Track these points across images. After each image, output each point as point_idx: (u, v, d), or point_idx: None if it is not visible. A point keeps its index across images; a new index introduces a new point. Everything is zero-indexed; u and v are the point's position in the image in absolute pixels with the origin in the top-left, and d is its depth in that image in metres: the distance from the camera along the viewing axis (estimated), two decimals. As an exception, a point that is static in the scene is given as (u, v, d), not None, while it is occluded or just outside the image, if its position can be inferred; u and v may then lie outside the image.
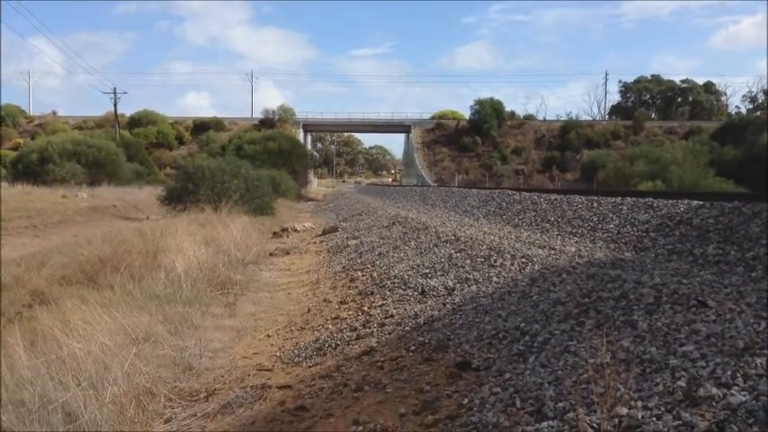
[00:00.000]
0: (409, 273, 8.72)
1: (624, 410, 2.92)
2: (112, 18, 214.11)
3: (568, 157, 74.30)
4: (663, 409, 2.89)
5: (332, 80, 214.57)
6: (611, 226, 9.30)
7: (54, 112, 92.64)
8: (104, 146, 46.32)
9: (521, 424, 3.23)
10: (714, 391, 2.89)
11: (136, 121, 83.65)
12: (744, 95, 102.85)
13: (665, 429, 2.72)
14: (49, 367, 4.87)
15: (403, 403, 4.19)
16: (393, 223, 15.53)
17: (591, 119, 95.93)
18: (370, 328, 6.54)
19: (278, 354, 6.45)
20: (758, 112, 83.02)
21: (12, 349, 5.24)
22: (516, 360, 4.38)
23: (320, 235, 18.63)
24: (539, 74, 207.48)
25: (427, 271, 8.54)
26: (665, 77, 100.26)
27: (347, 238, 15.66)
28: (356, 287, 9.05)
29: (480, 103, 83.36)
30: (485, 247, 9.02)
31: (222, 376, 5.85)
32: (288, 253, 14.90)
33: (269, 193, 27.08)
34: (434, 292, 7.33)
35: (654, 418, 2.82)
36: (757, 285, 4.87)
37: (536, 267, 7.15)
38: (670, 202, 9.21)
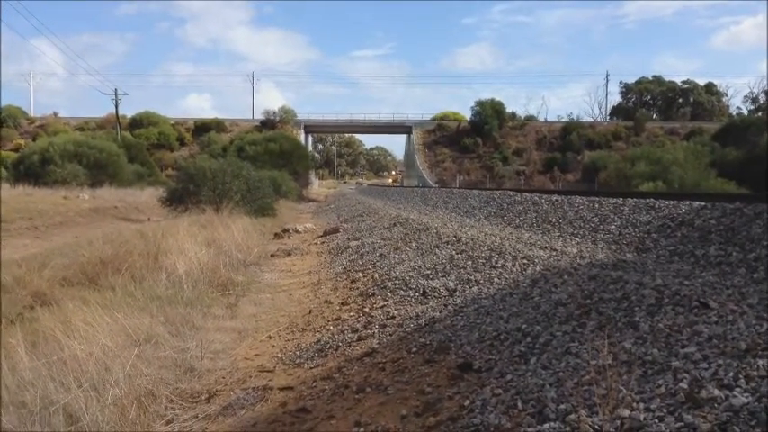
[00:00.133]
0: (410, 274, 8.71)
1: (626, 412, 2.91)
2: (113, 19, 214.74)
3: (570, 158, 74.30)
4: (665, 410, 2.88)
5: (333, 81, 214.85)
6: (613, 227, 9.29)
7: (55, 114, 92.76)
8: (106, 147, 46.39)
9: (522, 425, 3.23)
10: (716, 392, 2.89)
11: (137, 123, 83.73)
12: (745, 96, 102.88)
13: (667, 431, 2.71)
14: (50, 368, 4.87)
15: (404, 405, 4.19)
16: (394, 224, 15.53)
17: (592, 120, 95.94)
18: (371, 329, 6.54)
19: (279, 355, 6.45)
20: (759, 113, 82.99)
21: (13, 350, 5.24)
22: (518, 361, 4.37)
23: (321, 236, 18.63)
24: (540, 75, 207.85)
25: (428, 272, 8.53)
26: (667, 78, 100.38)
27: (348, 239, 15.66)
28: (357, 288, 9.04)
29: (481, 104, 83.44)
30: (486, 248, 9.01)
31: (223, 377, 5.85)
32: (289, 254, 14.90)
33: (270, 195, 27.11)
34: (436, 294, 7.33)
35: (656, 420, 2.81)
36: (759, 286, 4.87)
37: (537, 268, 7.15)
38: (671, 203, 9.20)
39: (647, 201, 9.85)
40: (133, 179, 47.62)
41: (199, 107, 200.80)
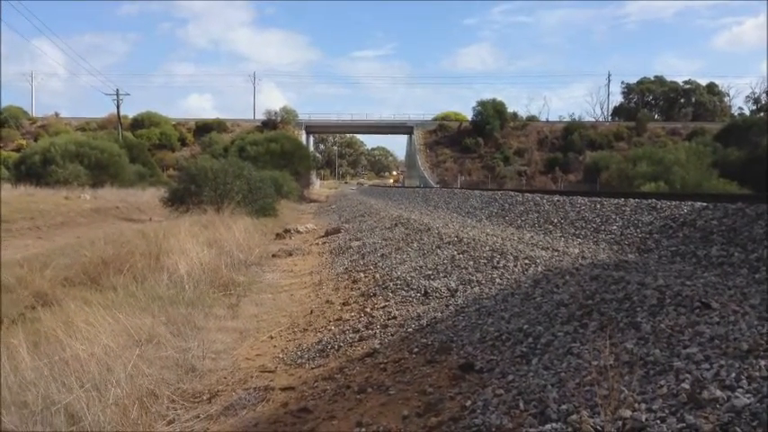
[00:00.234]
0: (412, 274, 8.71)
1: (628, 413, 2.91)
2: (115, 19, 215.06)
3: (571, 159, 74.21)
4: (667, 411, 2.88)
5: (334, 82, 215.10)
6: (615, 227, 9.29)
7: (57, 114, 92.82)
8: (107, 147, 46.44)
9: (524, 426, 3.23)
10: (718, 393, 2.88)
11: (139, 123, 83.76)
12: (747, 96, 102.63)
13: (669, 432, 2.71)
14: (52, 369, 4.88)
15: (406, 405, 4.19)
16: (396, 225, 15.53)
17: (594, 120, 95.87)
18: (372, 329, 6.54)
19: (281, 355, 6.45)
20: (761, 114, 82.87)
21: (15, 350, 5.25)
22: (519, 362, 4.37)
23: (323, 236, 18.64)
24: (541, 75, 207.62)
25: (430, 272, 8.53)
26: (668, 78, 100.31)
27: (350, 239, 15.66)
28: (359, 289, 9.04)
29: (483, 104, 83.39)
30: (487, 248, 9.01)
31: (225, 378, 5.85)
32: (290, 254, 14.90)
33: (271, 195, 27.12)
34: (437, 294, 7.33)
35: (658, 421, 2.81)
36: (761, 287, 4.86)
37: (539, 269, 7.14)
38: (673, 203, 9.19)
39: (649, 201, 9.84)
40: (135, 179, 47.64)
41: (200, 107, 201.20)
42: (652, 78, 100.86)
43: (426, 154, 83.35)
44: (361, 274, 10.01)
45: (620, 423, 2.86)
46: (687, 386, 3.03)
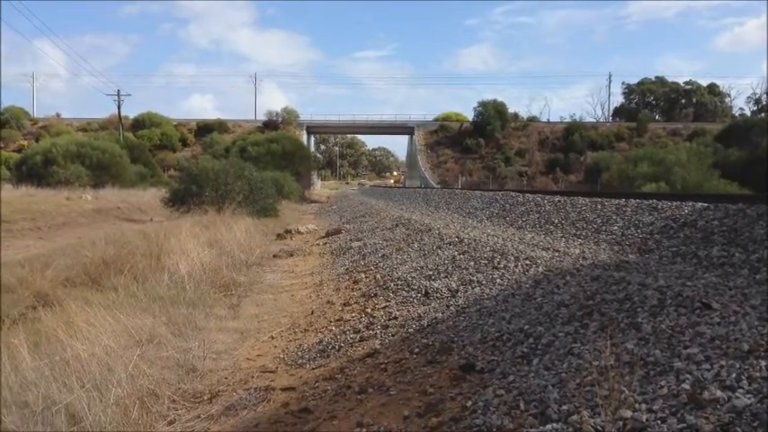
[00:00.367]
0: (413, 275, 8.71)
1: (628, 413, 2.91)
2: (116, 20, 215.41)
3: (572, 159, 74.21)
4: (667, 411, 2.88)
5: (335, 82, 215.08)
6: (616, 228, 9.28)
7: (58, 114, 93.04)
8: (108, 148, 46.46)
9: (525, 426, 3.23)
10: (719, 393, 2.89)
11: (140, 123, 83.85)
12: (748, 97, 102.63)
13: (670, 432, 2.71)
14: (53, 369, 4.88)
15: (407, 405, 4.19)
16: (396, 225, 15.53)
17: (594, 121, 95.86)
18: (373, 330, 6.54)
19: (281, 356, 6.46)
20: (762, 114, 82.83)
21: (16, 351, 5.25)
22: (520, 362, 4.37)
23: (324, 237, 18.64)
24: (542, 76, 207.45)
25: (431, 273, 8.53)
26: (669, 79, 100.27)
27: (351, 239, 15.67)
28: (359, 289, 9.04)
29: (484, 104, 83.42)
30: (488, 248, 9.01)
31: (226, 378, 5.86)
32: (291, 255, 14.91)
33: (272, 195, 27.13)
34: (438, 294, 7.32)
35: (658, 421, 2.81)
36: (762, 288, 4.86)
37: (540, 269, 7.14)
38: (674, 203, 9.19)
39: (650, 202, 9.83)
40: (136, 180, 47.67)
41: (201, 108, 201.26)
42: (653, 79, 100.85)
43: (427, 154, 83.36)
44: (362, 275, 10.01)
45: (620, 423, 2.86)
46: (688, 386, 3.03)
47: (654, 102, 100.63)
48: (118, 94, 67.57)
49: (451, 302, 6.78)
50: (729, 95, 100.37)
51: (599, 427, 2.90)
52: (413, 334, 5.98)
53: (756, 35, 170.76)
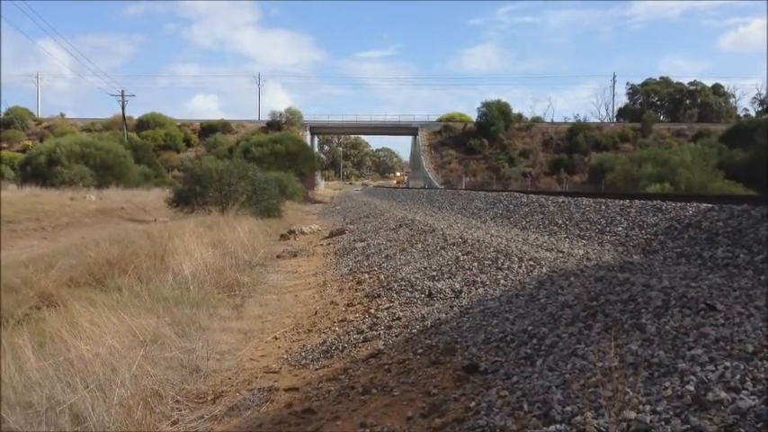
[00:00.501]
0: (416, 275, 8.71)
1: (632, 414, 2.91)
2: (120, 21, 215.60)
3: (576, 160, 74.15)
4: (671, 413, 2.87)
5: (339, 83, 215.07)
6: (620, 229, 9.27)
7: (62, 115, 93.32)
8: (112, 148, 46.49)
9: (528, 427, 3.22)
10: (723, 395, 2.88)
11: (144, 124, 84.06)
12: (753, 98, 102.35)
13: (674, 433, 2.71)
14: (57, 369, 4.89)
15: (410, 406, 4.18)
16: (400, 226, 15.53)
17: (599, 121, 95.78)
18: (377, 330, 6.54)
19: (285, 356, 6.46)
20: (767, 115, 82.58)
21: (20, 351, 5.26)
22: (524, 363, 4.37)
23: (327, 237, 18.65)
24: (546, 76, 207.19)
25: (434, 273, 8.53)
26: (674, 79, 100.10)
27: (354, 240, 15.67)
28: (363, 289, 9.04)
29: (488, 105, 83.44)
30: (492, 249, 9.00)
31: (229, 378, 5.86)
32: (295, 255, 14.92)
33: (276, 196, 27.12)
34: (441, 295, 7.32)
35: (662, 422, 2.81)
36: (766, 289, 4.85)
37: (544, 270, 7.14)
38: (679, 204, 9.18)
39: (654, 202, 9.82)
40: (140, 180, 47.71)
41: (205, 108, 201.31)
42: (657, 79, 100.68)
43: (431, 155, 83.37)
44: (366, 275, 10.01)
45: (624, 425, 2.85)
46: (692, 388, 3.02)
47: (658, 102, 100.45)
48: (122, 95, 67.72)
49: (455, 303, 6.78)
50: (734, 96, 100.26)
51: (603, 429, 2.89)
52: (416, 335, 5.98)
53: (761, 35, 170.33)
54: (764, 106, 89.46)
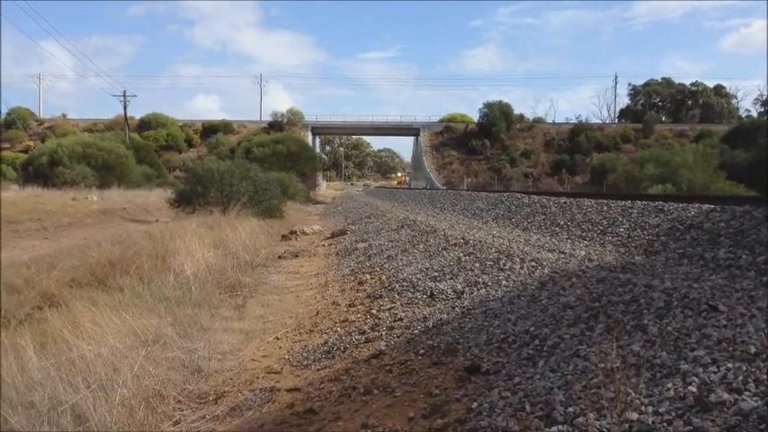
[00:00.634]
0: (418, 276, 8.71)
1: (634, 415, 2.91)
2: (122, 21, 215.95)
3: (578, 161, 74.14)
4: (674, 414, 2.87)
5: (341, 83, 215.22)
6: (622, 230, 9.27)
7: (64, 115, 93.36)
8: (114, 148, 46.49)
9: (530, 428, 3.22)
10: (725, 396, 2.88)
11: (145, 124, 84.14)
12: (755, 99, 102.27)
13: (676, 435, 2.71)
14: (58, 369, 4.89)
15: (412, 407, 4.18)
16: (402, 226, 15.53)
17: (600, 122, 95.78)
18: (378, 331, 6.54)
19: (287, 356, 6.46)
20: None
21: (22, 351, 5.26)
22: (526, 364, 4.36)
23: (329, 238, 18.65)
24: (548, 77, 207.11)
25: (436, 274, 8.53)
26: (676, 80, 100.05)
27: (356, 241, 15.67)
28: (365, 290, 9.04)
29: (489, 105, 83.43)
30: (494, 250, 9.00)
31: (231, 379, 5.86)
32: (296, 256, 14.92)
33: (277, 196, 27.12)
34: (443, 296, 7.32)
35: (664, 424, 2.81)
36: (769, 290, 4.84)
37: (546, 271, 7.13)
38: (681, 205, 9.17)
39: (656, 203, 9.82)
40: (141, 180, 47.71)
41: (207, 109, 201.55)
42: (659, 80, 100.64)
43: (433, 155, 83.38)
44: (368, 276, 10.01)
45: (626, 426, 2.85)
46: (694, 389, 3.02)
47: (660, 103, 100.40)
48: (124, 95, 67.85)
49: (457, 304, 6.78)
50: (736, 97, 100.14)
51: (605, 430, 2.89)
52: (418, 335, 5.98)
53: (763, 36, 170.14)
54: (766, 107, 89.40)
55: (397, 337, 6.16)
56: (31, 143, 73.99)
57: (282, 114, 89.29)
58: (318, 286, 10.47)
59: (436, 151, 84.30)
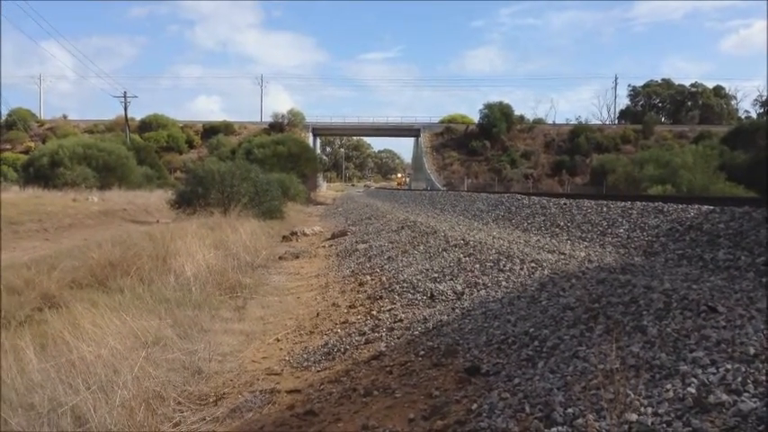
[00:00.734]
0: (418, 277, 8.71)
1: (634, 416, 2.91)
2: (123, 22, 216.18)
3: (578, 161, 74.18)
4: (673, 415, 2.88)
5: (341, 84, 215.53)
6: (621, 231, 9.27)
7: (65, 116, 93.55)
8: (115, 149, 46.51)
9: (530, 429, 3.23)
10: (724, 397, 2.88)
11: (146, 125, 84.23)
12: (755, 100, 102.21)
13: (675, 436, 2.71)
14: (59, 370, 4.90)
15: (412, 408, 4.19)
16: (402, 227, 15.53)
17: (600, 123, 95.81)
18: (378, 332, 6.54)
19: (287, 358, 6.46)
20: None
21: (22, 352, 5.27)
22: (525, 365, 4.37)
23: (329, 239, 18.65)
24: (548, 78, 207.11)
25: (436, 275, 8.53)
26: (675, 81, 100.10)
27: (356, 242, 15.67)
28: (365, 291, 9.04)
29: (490, 106, 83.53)
30: (494, 251, 9.00)
31: (231, 380, 5.87)
32: (297, 257, 14.92)
33: (278, 197, 27.12)
34: (443, 297, 7.32)
35: (664, 425, 2.81)
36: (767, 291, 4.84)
37: (545, 272, 7.14)
38: (680, 206, 9.17)
39: (656, 204, 9.82)
40: (142, 181, 47.72)
41: (208, 110, 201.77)
42: (659, 81, 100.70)
43: (433, 156, 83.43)
44: (368, 277, 10.02)
45: (625, 427, 2.86)
46: (693, 390, 3.03)
47: (660, 104, 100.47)
48: (124, 96, 67.94)
49: (457, 305, 6.78)
50: (736, 98, 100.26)
51: (604, 431, 2.90)
52: (418, 336, 5.98)
53: (762, 37, 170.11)
54: (766, 108, 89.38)
55: (398, 338, 6.16)
56: (32, 144, 74.04)
57: (283, 115, 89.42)
58: (319, 287, 10.47)
59: (436, 152, 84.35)
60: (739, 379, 3.03)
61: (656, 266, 6.72)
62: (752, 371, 3.09)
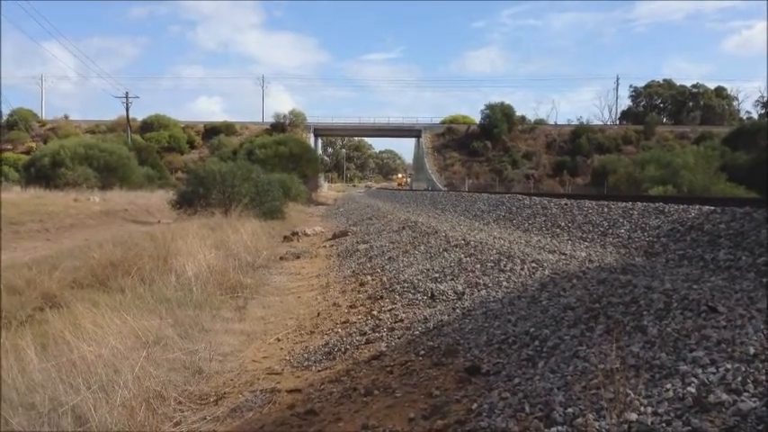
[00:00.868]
0: (419, 277, 8.71)
1: (634, 416, 2.91)
2: (125, 23, 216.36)
3: (579, 162, 74.14)
4: (673, 414, 2.88)
5: (343, 85, 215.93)
6: (622, 231, 9.27)
7: (66, 117, 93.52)
8: (116, 150, 46.54)
9: (530, 429, 3.23)
10: (724, 397, 2.88)
11: (148, 126, 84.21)
12: (756, 100, 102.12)
13: (675, 435, 2.71)
14: (59, 370, 4.90)
15: (412, 408, 4.19)
16: (403, 228, 15.53)
17: (602, 123, 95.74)
18: (379, 332, 6.54)
19: (287, 358, 6.46)
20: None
21: (23, 352, 5.27)
22: (526, 365, 4.37)
23: (330, 239, 18.65)
24: (550, 78, 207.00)
25: (437, 275, 8.53)
26: (677, 82, 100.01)
27: (357, 242, 15.67)
28: (366, 291, 9.05)
29: (491, 107, 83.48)
30: (495, 251, 9.00)
31: (232, 380, 5.87)
32: (298, 257, 14.93)
33: (279, 197, 27.13)
34: (444, 297, 7.32)
35: (663, 424, 2.81)
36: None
37: (546, 272, 7.13)
38: (681, 207, 9.17)
39: (657, 205, 9.82)
40: (143, 182, 47.72)
41: (209, 110, 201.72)
42: (660, 82, 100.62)
43: (434, 157, 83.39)
44: (369, 277, 10.02)
45: (625, 426, 2.86)
46: (693, 390, 3.03)
47: (661, 105, 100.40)
48: (126, 97, 67.93)
49: (457, 305, 6.78)
50: (737, 99, 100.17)
51: (604, 430, 2.90)
52: (419, 336, 5.99)
53: (764, 38, 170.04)
54: (767, 109, 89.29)
55: (398, 338, 6.16)
56: (34, 144, 74.04)
57: (285, 116, 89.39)
58: (320, 287, 10.48)
59: (438, 153, 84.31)
60: (739, 379, 3.03)
61: (657, 267, 6.72)
62: (752, 371, 3.09)
